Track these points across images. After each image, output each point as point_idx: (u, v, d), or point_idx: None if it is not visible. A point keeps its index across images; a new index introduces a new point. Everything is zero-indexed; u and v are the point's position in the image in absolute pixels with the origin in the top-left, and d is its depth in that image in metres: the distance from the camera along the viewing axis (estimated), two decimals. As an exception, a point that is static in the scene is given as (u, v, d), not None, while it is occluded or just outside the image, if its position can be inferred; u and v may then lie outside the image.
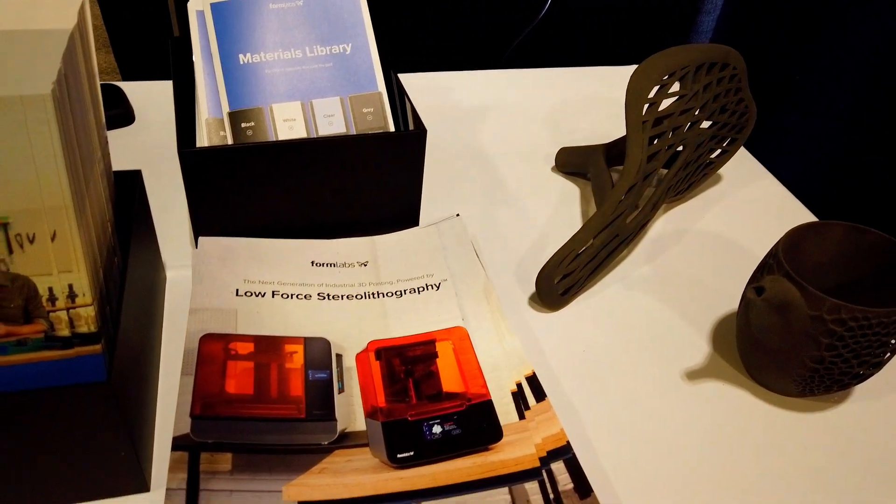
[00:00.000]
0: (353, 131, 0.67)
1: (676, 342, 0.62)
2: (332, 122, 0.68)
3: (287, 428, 0.49)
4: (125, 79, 1.32)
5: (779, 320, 0.52)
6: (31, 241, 0.38)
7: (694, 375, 0.59)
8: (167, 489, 0.44)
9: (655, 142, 0.70)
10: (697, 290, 0.68)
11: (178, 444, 0.47)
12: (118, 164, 0.77)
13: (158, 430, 0.51)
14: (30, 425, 0.40)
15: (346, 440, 0.49)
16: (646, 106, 0.69)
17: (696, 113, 0.72)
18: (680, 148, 0.73)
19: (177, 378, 0.55)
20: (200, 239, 0.63)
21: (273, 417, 0.49)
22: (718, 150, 0.79)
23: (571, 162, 0.81)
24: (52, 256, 0.38)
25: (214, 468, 0.45)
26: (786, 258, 0.57)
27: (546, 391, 0.56)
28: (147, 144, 0.81)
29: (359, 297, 0.60)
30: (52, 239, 0.38)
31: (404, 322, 0.58)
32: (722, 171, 0.87)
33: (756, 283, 0.51)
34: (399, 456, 0.48)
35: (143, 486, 0.46)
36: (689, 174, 0.76)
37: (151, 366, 0.53)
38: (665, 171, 0.82)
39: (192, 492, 0.44)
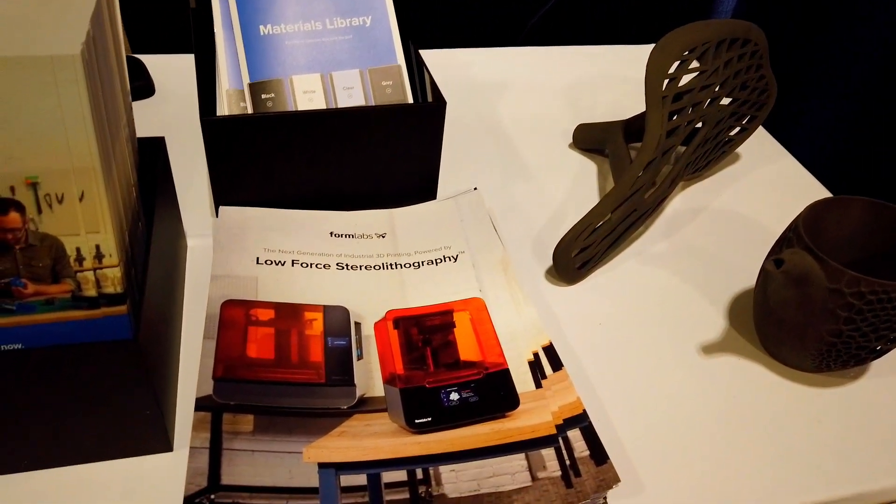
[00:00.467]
0: (373, 104, 0.68)
1: (692, 317, 0.62)
2: (352, 94, 0.68)
3: (307, 392, 0.50)
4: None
5: (797, 293, 0.52)
6: (60, 202, 0.38)
7: (710, 350, 0.59)
8: (191, 447, 0.45)
9: (675, 117, 0.70)
10: (714, 267, 0.68)
11: (200, 404, 0.47)
12: (139, 135, 0.78)
13: (180, 394, 0.52)
14: (57, 382, 0.41)
15: (365, 405, 0.50)
16: (666, 81, 0.69)
17: (717, 89, 0.72)
18: (699, 124, 0.72)
19: (198, 343, 0.56)
20: (221, 207, 0.63)
21: (293, 381, 0.50)
22: (738, 128, 0.79)
23: (589, 138, 0.81)
24: (80, 217, 0.39)
25: (237, 429, 0.46)
26: (806, 232, 0.57)
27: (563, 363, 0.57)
28: (167, 116, 0.82)
29: (377, 267, 0.61)
30: (81, 199, 0.39)
31: (422, 292, 0.59)
32: (740, 149, 0.86)
33: (775, 255, 0.51)
34: (417, 421, 0.49)
35: (166, 445, 0.47)
36: (708, 151, 0.76)
37: (174, 330, 0.53)
38: (683, 148, 0.82)
39: (215, 451, 0.45)
